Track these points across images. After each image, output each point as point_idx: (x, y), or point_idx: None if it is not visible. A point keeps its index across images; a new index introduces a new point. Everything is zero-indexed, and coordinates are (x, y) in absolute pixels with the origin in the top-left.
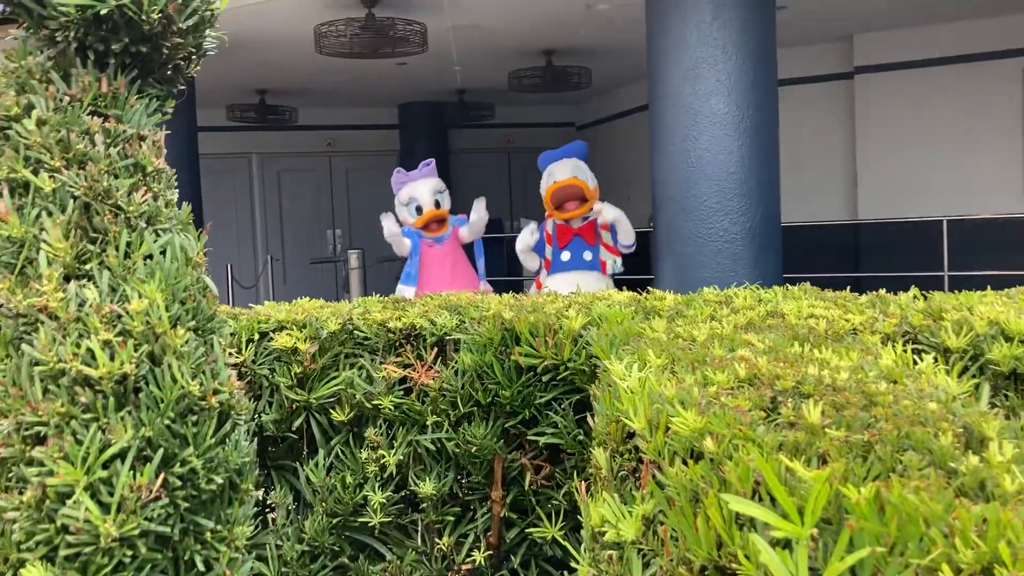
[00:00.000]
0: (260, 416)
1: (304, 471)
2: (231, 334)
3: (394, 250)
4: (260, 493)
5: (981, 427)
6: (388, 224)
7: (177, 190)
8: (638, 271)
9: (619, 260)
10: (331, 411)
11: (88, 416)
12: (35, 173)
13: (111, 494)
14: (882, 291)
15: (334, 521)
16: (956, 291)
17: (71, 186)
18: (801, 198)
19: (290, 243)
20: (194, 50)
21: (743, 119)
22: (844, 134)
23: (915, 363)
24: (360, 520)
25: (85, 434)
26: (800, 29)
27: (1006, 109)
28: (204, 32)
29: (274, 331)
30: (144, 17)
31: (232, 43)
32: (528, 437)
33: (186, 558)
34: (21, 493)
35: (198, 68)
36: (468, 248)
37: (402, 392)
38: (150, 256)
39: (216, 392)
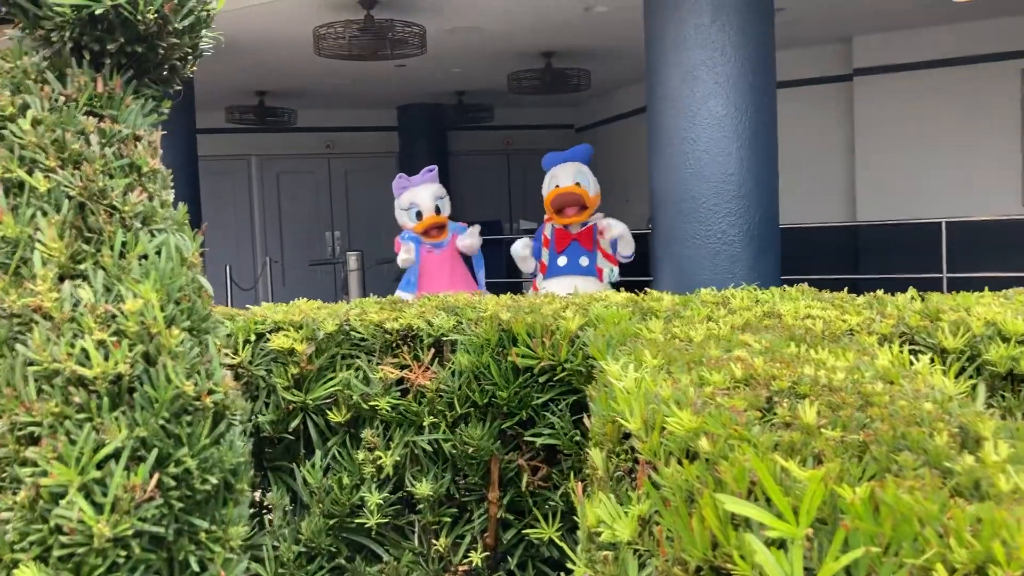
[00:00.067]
0: (257, 417)
1: (301, 472)
2: (227, 335)
3: (399, 263)
4: (257, 494)
5: (977, 427)
6: (404, 253)
7: (173, 190)
8: (637, 273)
9: (616, 269)
10: (328, 412)
11: (82, 416)
12: (30, 173)
13: (105, 494)
14: (879, 292)
15: (331, 522)
16: (955, 293)
17: (66, 186)
18: (800, 200)
19: (289, 245)
20: (190, 50)
21: (741, 121)
22: (843, 136)
23: (912, 364)
24: (357, 521)
25: (79, 434)
26: (799, 31)
27: (1004, 111)
28: (200, 32)
29: (271, 332)
30: (140, 17)
31: (231, 45)
32: (525, 438)
33: (180, 559)
34: (15, 493)
35: (195, 68)
36: (467, 256)
37: (399, 393)
38: (145, 256)
39: (211, 392)
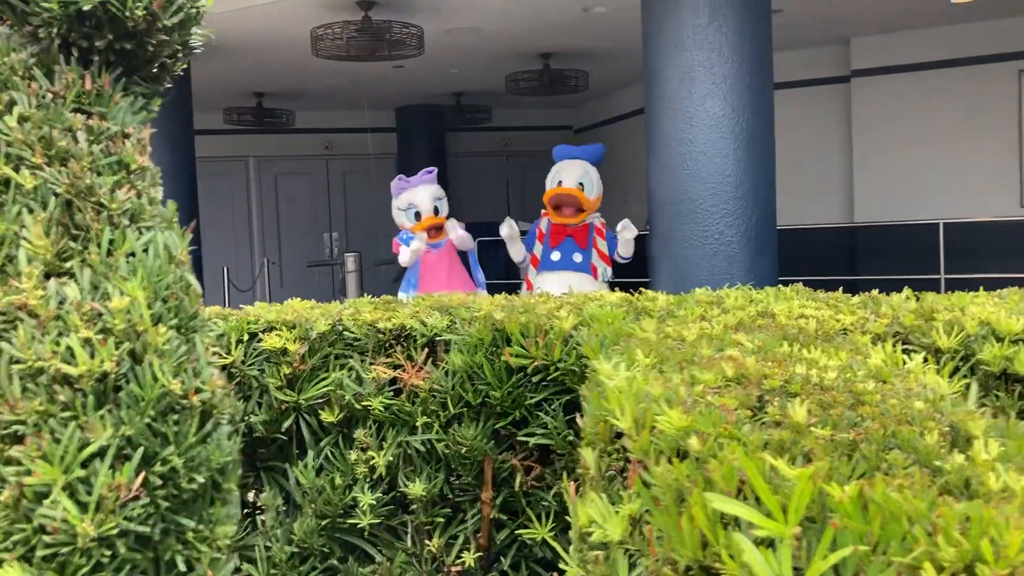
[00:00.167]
0: (249, 417)
1: (294, 472)
2: (220, 335)
3: (401, 261)
4: (251, 495)
5: (967, 426)
6: (416, 243)
7: (162, 188)
8: (634, 274)
9: (609, 269)
10: (321, 412)
11: (67, 415)
12: (16, 170)
13: (90, 493)
14: (875, 292)
15: (323, 523)
16: (949, 293)
17: (53, 183)
18: (798, 201)
19: (287, 246)
20: (180, 48)
21: (739, 122)
22: (840, 137)
23: (905, 363)
24: (350, 521)
25: (64, 433)
26: (797, 32)
27: (1002, 112)
28: (190, 30)
29: (264, 332)
30: (128, 14)
31: (229, 46)
32: (518, 438)
33: (167, 558)
34: None
35: (184, 66)
36: (465, 257)
37: (392, 393)
38: (133, 254)
39: (198, 391)
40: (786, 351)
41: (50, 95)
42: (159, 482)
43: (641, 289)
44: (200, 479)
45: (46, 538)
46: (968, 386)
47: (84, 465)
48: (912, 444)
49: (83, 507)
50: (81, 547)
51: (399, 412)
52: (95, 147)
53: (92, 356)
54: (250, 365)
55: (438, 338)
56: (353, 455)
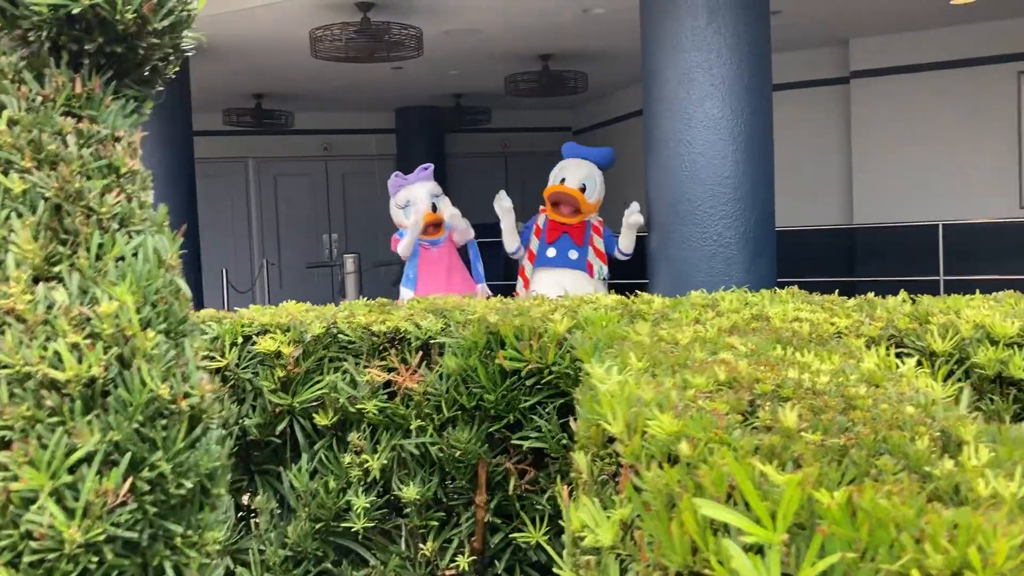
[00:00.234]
0: (243, 420)
1: (288, 476)
2: (214, 338)
3: (401, 250)
4: (245, 498)
5: (958, 431)
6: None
7: (152, 191)
8: (633, 275)
9: (606, 267)
10: (314, 415)
11: (54, 420)
12: (5, 174)
13: (77, 499)
14: (871, 294)
15: (317, 526)
16: (945, 296)
17: (42, 187)
18: (797, 202)
19: (286, 247)
20: (171, 51)
21: (737, 123)
22: (840, 138)
23: (898, 367)
24: (343, 525)
25: (51, 438)
26: (796, 33)
27: (1001, 113)
28: (181, 33)
29: (258, 335)
30: (118, 17)
31: (227, 47)
32: (512, 441)
33: (155, 564)
34: None
35: (176, 69)
36: (465, 253)
37: (386, 396)
38: (122, 258)
39: (187, 395)
40: (779, 355)
41: (40, 98)
42: (147, 487)
43: (637, 291)
44: (188, 484)
45: (33, 544)
46: (962, 390)
47: (71, 471)
48: (902, 449)
49: (70, 513)
50: (68, 553)
51: (393, 415)
52: (85, 151)
53: (80, 361)
54: (244, 368)
55: (432, 341)
56: (347, 458)
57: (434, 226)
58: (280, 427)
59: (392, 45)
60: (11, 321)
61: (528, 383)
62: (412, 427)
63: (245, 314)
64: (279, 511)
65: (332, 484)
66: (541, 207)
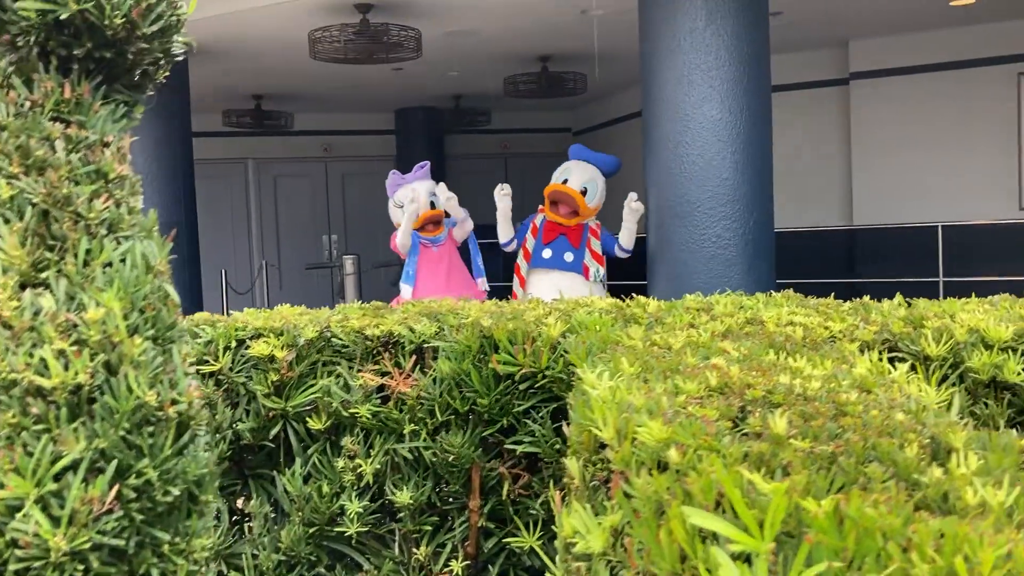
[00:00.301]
0: (237, 424)
1: (281, 480)
2: (208, 342)
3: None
4: (239, 502)
5: (948, 438)
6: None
7: (142, 196)
8: (632, 277)
9: (602, 269)
10: (308, 419)
11: (40, 427)
12: None
13: (62, 507)
14: (866, 298)
15: (311, 530)
16: (950, 297)
17: (29, 193)
18: (796, 204)
19: (286, 248)
20: (161, 56)
21: (736, 125)
22: (839, 140)
23: (890, 372)
24: (337, 529)
25: (36, 446)
26: (795, 35)
27: (1001, 115)
28: (172, 37)
29: (251, 338)
30: (107, 22)
31: (227, 49)
32: (506, 446)
33: (142, 571)
34: None
35: (167, 74)
36: (464, 251)
37: (379, 400)
38: (110, 264)
39: (174, 402)
40: (771, 360)
41: (28, 104)
42: (133, 495)
43: (632, 294)
44: (176, 492)
45: (18, 552)
46: (956, 395)
47: (57, 478)
48: (891, 457)
49: (55, 521)
50: (54, 561)
51: (387, 420)
52: (73, 156)
53: (66, 368)
54: (238, 372)
55: (426, 345)
56: (340, 463)
57: (433, 224)
58: (274, 431)
59: (391, 47)
60: None
61: (522, 387)
62: (405, 431)
63: (239, 318)
64: (273, 515)
65: (326, 488)
66: (540, 206)
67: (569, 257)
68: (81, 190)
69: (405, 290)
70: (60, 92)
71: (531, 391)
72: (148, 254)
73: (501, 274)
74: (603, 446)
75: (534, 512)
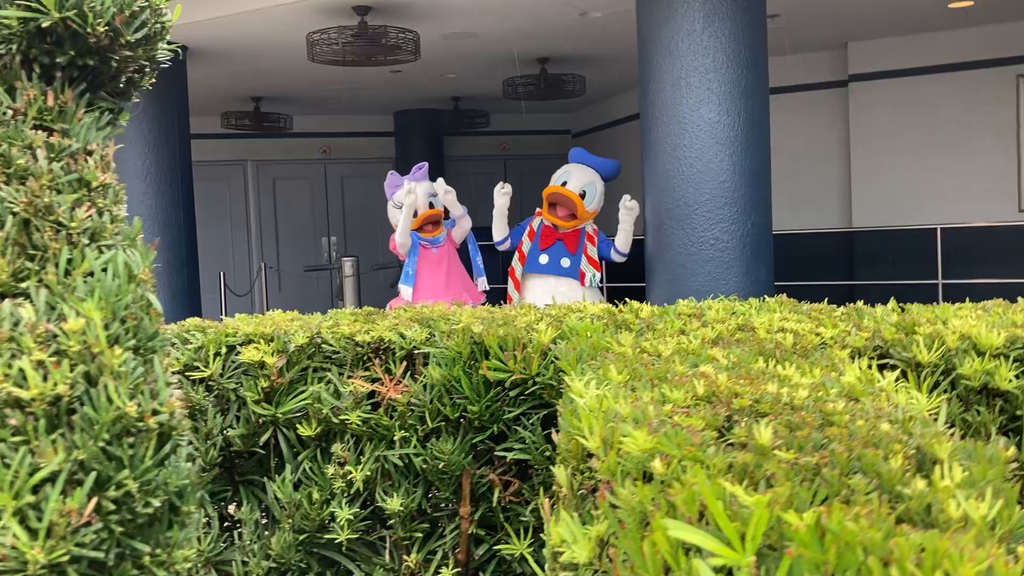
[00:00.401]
0: (227, 431)
1: (272, 486)
2: (198, 348)
3: (397, 246)
4: (231, 508)
5: (934, 449)
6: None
7: (126, 204)
8: (631, 279)
9: (599, 274)
10: (298, 426)
11: (18, 439)
12: None
13: (40, 519)
14: (860, 303)
15: (301, 537)
16: (950, 300)
17: (10, 202)
18: (795, 206)
19: (285, 250)
20: (146, 63)
21: (734, 127)
22: (838, 142)
23: (880, 380)
24: (327, 536)
25: (14, 458)
26: (794, 37)
27: (1000, 117)
28: (156, 45)
29: (242, 344)
30: (89, 30)
31: (225, 51)
32: (496, 453)
33: None
34: None
35: (153, 80)
36: (463, 251)
37: (370, 407)
38: (91, 273)
39: (155, 413)
40: (760, 368)
41: (10, 112)
42: (113, 507)
43: (626, 299)
44: (156, 503)
45: None
46: (948, 401)
47: (35, 490)
48: (875, 468)
49: (33, 533)
50: (31, 573)
51: (377, 426)
52: (55, 165)
53: (45, 379)
54: (228, 378)
55: (417, 351)
56: (331, 469)
57: (432, 224)
58: (264, 438)
59: (389, 49)
60: None
61: (512, 394)
62: (396, 438)
63: (229, 323)
64: (263, 522)
65: (316, 495)
66: (537, 209)
67: (566, 263)
68: (63, 199)
69: (405, 291)
70: (43, 100)
71: (521, 398)
72: (131, 263)
73: (501, 275)
74: (590, 455)
75: (525, 519)
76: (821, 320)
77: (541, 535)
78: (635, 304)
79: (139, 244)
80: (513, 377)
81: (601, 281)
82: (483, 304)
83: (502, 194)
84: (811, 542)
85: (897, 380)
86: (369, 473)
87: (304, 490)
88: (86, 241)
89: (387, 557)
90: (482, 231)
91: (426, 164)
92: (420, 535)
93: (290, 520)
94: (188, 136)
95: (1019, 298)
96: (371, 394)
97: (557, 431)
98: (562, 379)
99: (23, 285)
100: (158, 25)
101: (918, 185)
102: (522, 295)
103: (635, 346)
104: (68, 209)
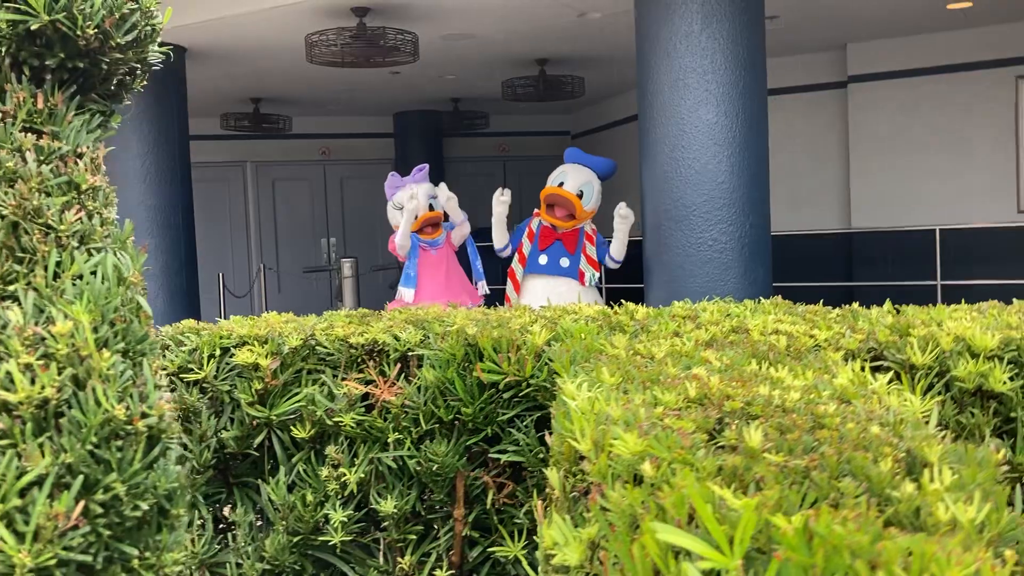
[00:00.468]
0: (221, 433)
1: (266, 489)
2: (192, 350)
3: (397, 248)
4: (227, 510)
5: (924, 452)
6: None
7: (116, 207)
8: (630, 280)
9: (598, 274)
10: (292, 428)
11: (5, 442)
12: None
13: (27, 523)
14: (855, 304)
15: (295, 539)
16: (949, 301)
17: None
18: (794, 207)
19: (284, 252)
20: (137, 65)
21: (732, 128)
22: (837, 143)
23: (872, 382)
24: (321, 538)
25: (1, 461)
26: (793, 38)
27: (999, 118)
28: (147, 47)
29: (236, 346)
30: (79, 32)
31: (225, 52)
32: (490, 455)
33: None
34: None
35: (144, 83)
36: (463, 254)
37: (364, 409)
38: (80, 276)
39: (144, 416)
40: (753, 370)
41: (0, 115)
42: (101, 510)
43: (621, 301)
44: (144, 506)
45: None
46: (942, 403)
47: (22, 494)
48: (865, 472)
49: (20, 537)
50: None
51: (371, 428)
52: (44, 167)
53: (32, 382)
54: (222, 380)
55: (411, 353)
56: (325, 471)
57: (432, 226)
58: (258, 440)
59: (388, 50)
60: None
61: (506, 396)
62: (390, 440)
63: (224, 325)
64: (258, 524)
65: (310, 497)
66: (535, 210)
67: (565, 263)
68: (52, 201)
69: (407, 293)
70: (33, 102)
71: (515, 400)
72: (120, 266)
73: (500, 277)
74: (582, 457)
75: (519, 521)
76: (815, 322)
77: (535, 537)
78: (630, 306)
79: (130, 247)
80: (507, 379)
81: (600, 281)
82: (481, 306)
83: (500, 202)
84: (799, 545)
85: (891, 382)
86: (363, 475)
87: (298, 492)
88: (75, 244)
89: (381, 559)
90: (482, 231)
91: (427, 166)
92: (414, 537)
93: (284, 522)
94: (187, 137)
95: (1014, 300)
96: (365, 396)
97: (551, 433)
98: (556, 381)
99: (11, 288)
100: (148, 27)
101: (917, 186)
102: (521, 296)
103: (628, 348)
104: (57, 212)
